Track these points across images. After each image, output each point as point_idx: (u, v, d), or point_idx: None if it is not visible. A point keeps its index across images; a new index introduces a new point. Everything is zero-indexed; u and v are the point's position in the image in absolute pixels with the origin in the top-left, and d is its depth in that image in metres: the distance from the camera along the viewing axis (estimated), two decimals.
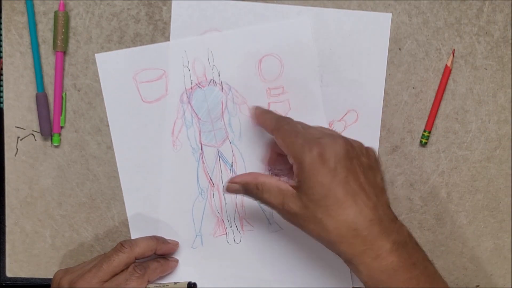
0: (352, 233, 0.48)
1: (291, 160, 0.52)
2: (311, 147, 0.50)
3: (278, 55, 0.61)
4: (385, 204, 0.50)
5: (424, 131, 0.62)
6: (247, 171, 0.62)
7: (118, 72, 0.62)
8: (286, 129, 0.53)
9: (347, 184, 0.49)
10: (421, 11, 0.61)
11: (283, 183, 0.53)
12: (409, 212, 0.64)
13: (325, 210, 0.49)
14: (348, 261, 0.50)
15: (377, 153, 0.54)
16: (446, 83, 0.61)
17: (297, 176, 0.51)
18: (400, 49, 0.61)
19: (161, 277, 0.62)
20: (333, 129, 0.60)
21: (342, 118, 0.62)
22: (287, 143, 0.52)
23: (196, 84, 0.62)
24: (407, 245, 0.49)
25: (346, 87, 0.62)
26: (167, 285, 0.60)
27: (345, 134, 0.61)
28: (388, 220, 0.49)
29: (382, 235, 0.48)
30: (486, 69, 0.62)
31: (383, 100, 0.62)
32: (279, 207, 0.53)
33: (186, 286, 0.60)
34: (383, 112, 0.62)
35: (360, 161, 0.51)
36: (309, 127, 0.54)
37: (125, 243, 0.58)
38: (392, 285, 0.48)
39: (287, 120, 0.55)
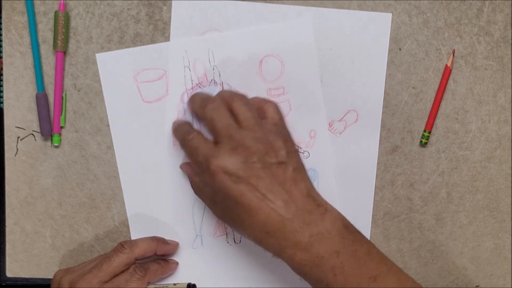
0: (268, 235, 0.51)
1: None
2: (209, 165, 0.51)
3: (279, 56, 0.61)
4: (300, 196, 0.51)
5: (424, 131, 0.62)
6: None
7: (118, 72, 0.62)
8: (190, 146, 0.56)
9: (252, 191, 0.50)
10: (421, 11, 0.61)
11: (208, 188, 0.55)
12: (409, 212, 0.64)
13: (240, 220, 0.52)
14: (276, 256, 0.52)
15: (288, 141, 0.54)
16: (446, 83, 0.61)
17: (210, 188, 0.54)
18: (400, 49, 0.61)
19: (161, 278, 0.62)
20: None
21: (342, 118, 0.62)
22: (193, 162, 0.57)
23: (197, 84, 0.62)
24: (329, 234, 0.50)
25: (346, 87, 0.62)
26: (166, 286, 0.60)
27: (345, 134, 0.62)
28: (305, 213, 0.50)
29: (297, 230, 0.50)
30: (486, 69, 0.62)
31: (383, 100, 0.62)
32: (212, 211, 0.59)
33: (185, 287, 0.60)
34: (383, 112, 0.62)
35: (263, 163, 0.51)
36: (212, 132, 0.55)
37: (125, 244, 0.58)
38: (316, 275, 0.50)
39: (192, 136, 0.56)
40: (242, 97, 0.55)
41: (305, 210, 0.51)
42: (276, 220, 0.50)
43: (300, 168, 0.53)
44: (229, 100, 0.55)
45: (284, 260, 0.51)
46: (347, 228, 0.51)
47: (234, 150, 0.51)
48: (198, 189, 0.58)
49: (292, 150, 0.53)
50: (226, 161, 0.51)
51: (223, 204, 0.53)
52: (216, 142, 0.54)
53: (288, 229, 0.50)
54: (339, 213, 0.52)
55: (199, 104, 0.57)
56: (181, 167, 0.62)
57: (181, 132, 0.59)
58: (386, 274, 0.51)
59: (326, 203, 0.52)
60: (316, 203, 0.51)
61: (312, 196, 0.52)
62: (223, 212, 0.54)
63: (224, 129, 0.53)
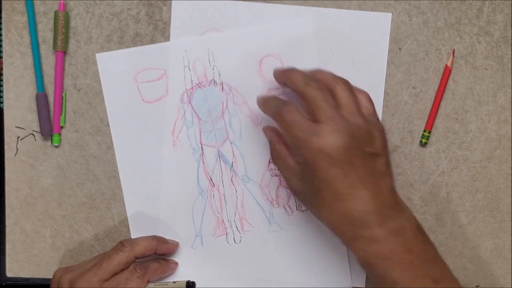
0: (346, 222, 0.51)
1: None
2: (308, 142, 0.50)
3: (279, 56, 0.61)
4: (386, 191, 0.51)
5: (424, 131, 0.62)
6: (248, 171, 0.63)
7: (118, 72, 0.62)
8: (287, 119, 0.53)
9: (344, 178, 0.50)
10: (421, 11, 0.61)
11: (292, 160, 0.55)
12: None
13: (322, 202, 0.51)
14: (345, 244, 0.52)
15: (384, 134, 0.53)
16: (446, 83, 0.61)
17: (299, 163, 0.54)
18: (400, 49, 0.61)
19: (160, 278, 0.62)
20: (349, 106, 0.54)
21: None
22: (289, 135, 0.53)
23: (197, 84, 0.62)
24: (405, 231, 0.50)
25: None
26: (166, 284, 0.60)
27: None
28: (387, 208, 0.50)
29: (377, 223, 0.50)
30: (486, 69, 0.62)
31: (383, 100, 0.62)
32: (287, 182, 0.57)
33: (184, 285, 0.60)
34: (383, 112, 0.62)
35: (360, 151, 0.50)
36: (315, 111, 0.52)
37: (125, 242, 0.58)
38: (384, 269, 0.50)
39: (288, 109, 0.53)
40: (346, 82, 0.54)
41: (388, 205, 0.51)
42: (361, 211, 0.50)
43: (389, 163, 0.53)
44: (332, 82, 0.54)
45: (353, 250, 0.51)
46: (419, 228, 0.52)
47: (337, 132, 0.50)
48: (278, 158, 0.57)
49: (386, 144, 0.53)
50: (328, 142, 0.50)
51: (309, 182, 0.52)
52: (316, 121, 0.52)
53: (369, 221, 0.50)
54: (412, 213, 0.53)
55: (301, 80, 0.54)
56: (264, 129, 0.60)
57: (273, 104, 0.56)
58: (448, 281, 0.51)
59: (402, 201, 0.53)
60: (397, 200, 0.52)
61: (394, 192, 0.52)
62: (306, 190, 0.54)
63: (328, 110, 0.51)
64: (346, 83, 0.54)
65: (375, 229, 0.50)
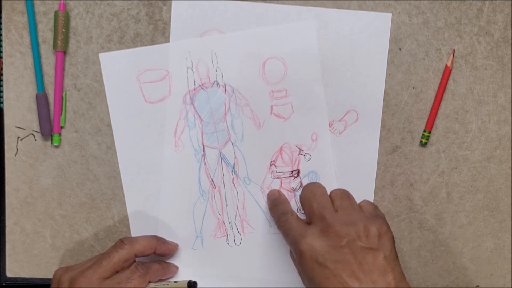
0: None
1: None
2: (298, 244, 0.52)
3: (282, 58, 0.61)
4: (387, 286, 0.49)
5: (424, 131, 0.62)
6: (249, 173, 0.63)
7: (121, 72, 0.61)
8: (284, 227, 0.56)
9: (336, 276, 0.49)
10: (421, 11, 0.61)
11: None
12: (409, 212, 0.64)
13: None
14: None
15: (384, 229, 0.52)
16: (446, 83, 0.61)
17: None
18: (400, 49, 0.61)
19: (160, 280, 0.62)
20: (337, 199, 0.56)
21: (342, 118, 0.62)
22: (286, 240, 0.56)
23: (199, 86, 0.62)
24: None
25: (346, 87, 0.62)
26: (167, 284, 0.60)
27: (345, 134, 0.62)
28: None
29: None
30: (486, 69, 0.62)
31: (383, 100, 0.62)
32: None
33: (186, 284, 0.60)
34: (383, 112, 0.62)
35: (354, 247, 0.50)
36: (307, 212, 0.55)
37: (125, 240, 0.58)
38: None
39: (285, 218, 0.56)
40: (342, 189, 0.56)
41: None
42: None
43: (391, 257, 0.51)
44: (331, 191, 0.56)
45: None
46: None
47: (323, 232, 0.51)
48: (292, 258, 0.59)
49: (386, 237, 0.52)
50: (314, 243, 0.51)
51: (309, 283, 0.52)
52: (309, 223, 0.54)
53: None
54: None
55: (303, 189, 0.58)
56: None
57: (277, 212, 0.59)
58: None
59: None
60: None
61: (401, 283, 0.50)
62: None
63: (318, 210, 0.53)
64: (341, 189, 0.56)
65: None
